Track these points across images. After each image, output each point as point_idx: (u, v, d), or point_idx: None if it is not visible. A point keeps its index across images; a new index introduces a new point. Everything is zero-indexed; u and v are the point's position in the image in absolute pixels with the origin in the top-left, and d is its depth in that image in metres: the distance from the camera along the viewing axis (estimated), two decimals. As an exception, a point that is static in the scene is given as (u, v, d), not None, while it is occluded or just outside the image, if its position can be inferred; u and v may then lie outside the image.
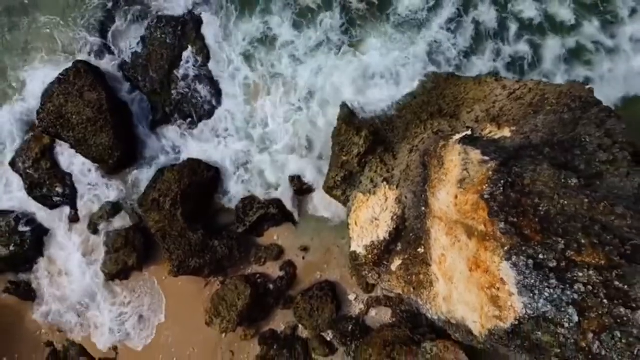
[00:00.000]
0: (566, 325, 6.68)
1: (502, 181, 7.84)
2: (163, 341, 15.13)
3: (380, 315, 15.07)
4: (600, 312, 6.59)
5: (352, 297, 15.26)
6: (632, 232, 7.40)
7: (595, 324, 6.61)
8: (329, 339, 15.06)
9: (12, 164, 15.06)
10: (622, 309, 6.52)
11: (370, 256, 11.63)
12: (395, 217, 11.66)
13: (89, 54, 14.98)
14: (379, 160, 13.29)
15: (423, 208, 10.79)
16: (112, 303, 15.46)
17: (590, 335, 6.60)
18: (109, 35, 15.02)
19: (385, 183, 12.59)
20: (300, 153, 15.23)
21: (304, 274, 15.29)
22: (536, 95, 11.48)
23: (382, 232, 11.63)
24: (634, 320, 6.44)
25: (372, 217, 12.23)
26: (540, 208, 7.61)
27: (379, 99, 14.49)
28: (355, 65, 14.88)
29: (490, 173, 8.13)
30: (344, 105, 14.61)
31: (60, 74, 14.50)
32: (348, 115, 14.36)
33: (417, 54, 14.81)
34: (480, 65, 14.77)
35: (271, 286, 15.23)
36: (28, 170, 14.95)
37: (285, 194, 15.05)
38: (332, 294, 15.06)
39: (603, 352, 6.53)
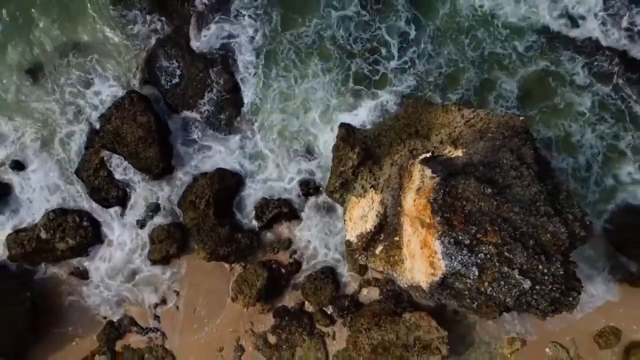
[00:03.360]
0: (471, 277, 11.71)
1: (442, 190, 12.84)
2: (197, 314, 20.09)
3: (370, 293, 20.16)
4: (493, 270, 11.63)
5: (347, 279, 20.28)
6: (522, 223, 12.44)
7: (489, 277, 11.65)
8: (329, 312, 20.13)
9: (77, 173, 19.97)
10: (506, 268, 11.55)
11: (360, 243, 16.65)
12: (379, 215, 16.65)
13: (139, 85, 19.90)
14: (368, 171, 18.25)
15: (398, 208, 15.77)
16: (152, 282, 20.40)
17: (486, 284, 11.64)
18: (155, 70, 19.94)
19: (372, 189, 17.57)
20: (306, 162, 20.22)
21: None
22: (484, 124, 16.45)
23: (369, 225, 16.63)
24: (512, 275, 11.45)
25: (362, 214, 17.23)
26: (466, 208, 12.63)
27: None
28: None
29: (435, 184, 13.12)
30: (341, 126, 19.57)
31: (116, 101, 19.48)
32: (345, 135, 19.30)
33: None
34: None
35: (283, 270, 20.26)
36: (89, 178, 19.89)
37: (295, 197, 20.02)
38: (332, 276, 20.09)
39: (494, 294, 11.54)
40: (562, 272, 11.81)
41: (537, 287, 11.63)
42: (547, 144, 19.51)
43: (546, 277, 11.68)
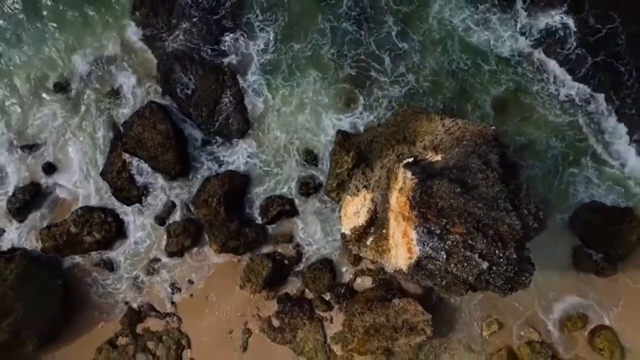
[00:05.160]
0: (440, 260, 15.02)
1: (419, 190, 16.12)
2: (209, 300, 23.36)
3: (364, 282, 23.49)
4: (458, 254, 14.93)
5: (344, 269, 23.57)
6: (485, 217, 15.71)
7: (455, 260, 14.96)
8: (327, 299, 23.43)
9: (102, 174, 23.24)
10: (468, 253, 14.84)
11: (353, 235, 19.94)
12: (369, 211, 19.90)
13: (158, 95, 23.23)
14: (362, 173, 21.53)
15: (386, 205, 19.01)
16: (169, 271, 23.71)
17: (452, 265, 14.96)
18: (172, 82, 23.24)
19: (364, 188, 20.83)
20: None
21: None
22: (461, 132, 19.68)
23: (361, 220, 19.88)
24: (473, 258, 14.74)
25: (355, 210, 20.48)
26: (439, 204, 15.91)
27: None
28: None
29: (414, 185, 16.39)
30: (338, 133, 22.86)
31: (138, 110, 22.78)
32: (341, 140, 22.61)
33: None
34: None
35: (286, 261, 23.56)
36: (113, 178, 23.18)
37: (296, 195, 23.28)
38: (329, 267, 23.36)
39: (459, 273, 14.86)
40: (515, 256, 15.08)
41: (494, 267, 14.92)
42: (520, 151, 22.81)
43: (501, 260, 14.97)
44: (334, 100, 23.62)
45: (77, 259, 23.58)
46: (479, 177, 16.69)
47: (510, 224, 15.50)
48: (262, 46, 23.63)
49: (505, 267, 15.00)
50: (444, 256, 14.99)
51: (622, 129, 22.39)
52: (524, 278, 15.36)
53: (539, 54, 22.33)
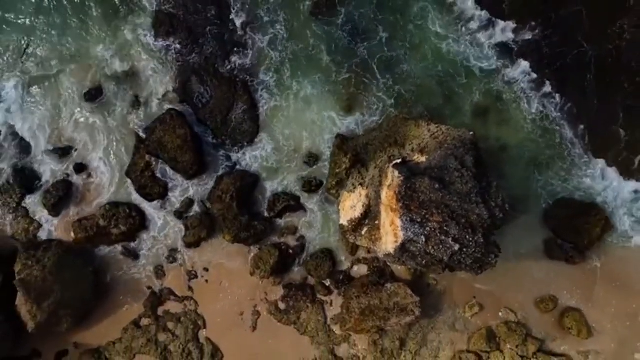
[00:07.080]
0: (420, 243, 18.96)
1: (404, 186, 20.05)
2: (222, 285, 27.24)
3: (360, 269, 27.41)
4: (435, 238, 18.86)
5: (342, 258, 27.43)
6: (458, 208, 19.65)
7: (432, 243, 18.88)
8: (327, 285, 27.32)
9: (127, 174, 27.12)
10: (444, 237, 18.79)
11: (350, 226, 23.89)
12: (364, 205, 23.84)
13: (178, 103, 27.17)
14: (358, 173, 25.46)
15: (378, 199, 22.91)
16: (187, 260, 27.58)
17: (430, 247, 18.96)
18: (190, 91, 27.15)
19: (360, 186, 24.76)
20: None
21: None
22: (444, 136, 23.61)
23: (357, 213, 23.80)
24: (447, 241, 18.66)
25: (352, 205, 24.40)
26: (420, 198, 19.87)
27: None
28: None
29: (400, 182, 20.30)
30: (337, 136, 26.75)
31: (159, 117, 26.70)
32: (340, 143, 26.51)
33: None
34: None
35: (291, 251, 27.44)
36: (137, 177, 27.08)
37: (300, 192, 27.17)
38: (329, 256, 27.25)
39: (435, 254, 18.83)
40: (482, 241, 19.02)
41: (464, 249, 18.89)
42: (498, 154, 26.73)
43: (471, 243, 18.91)
44: (334, 105, 27.41)
45: (106, 249, 27.53)
46: (456, 175, 20.62)
47: (479, 214, 19.44)
48: (273, 43, 27.21)
49: (474, 249, 18.96)
50: (424, 240, 18.95)
51: (587, 138, 26.60)
52: (490, 259, 19.28)
53: (510, 71, 26.42)
